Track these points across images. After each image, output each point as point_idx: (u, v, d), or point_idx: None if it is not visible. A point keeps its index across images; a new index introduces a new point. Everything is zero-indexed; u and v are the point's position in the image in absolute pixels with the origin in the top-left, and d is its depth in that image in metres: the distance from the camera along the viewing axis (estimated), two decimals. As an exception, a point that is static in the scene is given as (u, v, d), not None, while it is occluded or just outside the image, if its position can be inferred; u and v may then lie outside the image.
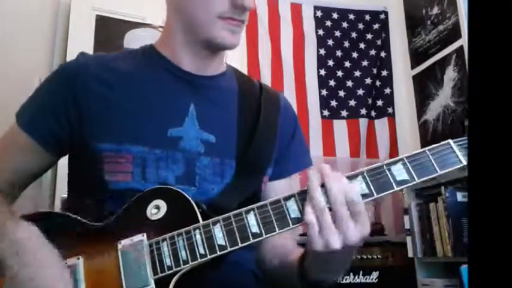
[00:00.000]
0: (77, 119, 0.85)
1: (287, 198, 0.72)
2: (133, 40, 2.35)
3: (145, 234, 0.74)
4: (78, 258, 0.74)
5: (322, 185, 0.69)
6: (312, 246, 0.68)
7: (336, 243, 0.66)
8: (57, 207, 1.94)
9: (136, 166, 0.82)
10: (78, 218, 0.79)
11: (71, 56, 2.15)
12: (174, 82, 0.90)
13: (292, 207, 0.71)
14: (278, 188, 0.96)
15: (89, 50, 2.21)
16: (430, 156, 0.73)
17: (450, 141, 0.74)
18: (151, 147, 0.83)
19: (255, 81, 1.03)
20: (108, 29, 2.32)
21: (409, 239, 2.21)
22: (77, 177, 0.91)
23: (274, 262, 0.89)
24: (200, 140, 0.87)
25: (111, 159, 0.82)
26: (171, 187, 0.80)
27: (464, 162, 0.72)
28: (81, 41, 2.21)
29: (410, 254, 2.21)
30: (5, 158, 0.91)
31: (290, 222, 0.70)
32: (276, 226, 0.70)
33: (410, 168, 0.72)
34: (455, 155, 0.73)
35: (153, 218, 0.76)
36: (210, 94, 0.92)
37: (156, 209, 0.77)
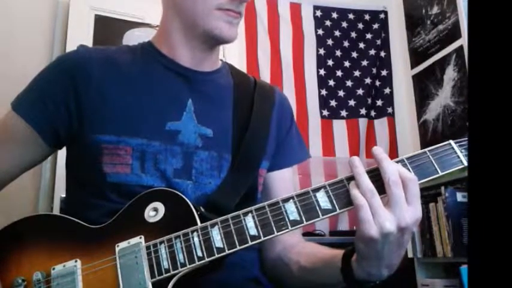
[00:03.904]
0: (76, 110, 0.85)
1: (285, 200, 0.71)
2: (132, 40, 2.35)
3: (143, 237, 0.74)
4: (76, 261, 0.74)
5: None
6: (365, 232, 0.66)
7: (390, 225, 0.65)
8: (56, 207, 1.93)
9: (136, 159, 0.82)
10: (76, 220, 0.79)
11: (70, 55, 2.16)
12: (172, 77, 0.91)
13: (291, 209, 0.70)
14: (280, 179, 0.98)
15: (88, 49, 2.20)
16: (431, 157, 0.72)
17: (451, 141, 0.74)
18: (150, 139, 0.83)
19: (250, 77, 1.04)
20: (107, 29, 2.32)
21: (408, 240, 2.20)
22: (76, 171, 0.90)
23: (302, 263, 0.87)
24: (198, 134, 0.87)
25: (110, 150, 0.82)
26: (169, 189, 0.80)
27: (466, 163, 0.72)
28: (80, 41, 2.20)
29: (410, 255, 2.21)
30: None
31: (289, 225, 0.70)
32: (274, 228, 0.70)
33: (410, 169, 0.71)
34: (457, 155, 0.72)
35: (151, 220, 0.76)
36: (207, 90, 0.93)
37: (154, 212, 0.77)
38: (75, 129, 0.85)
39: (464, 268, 1.81)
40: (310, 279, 0.86)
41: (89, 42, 2.25)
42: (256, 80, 1.03)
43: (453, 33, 2.54)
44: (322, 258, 0.83)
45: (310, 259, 0.87)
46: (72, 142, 0.88)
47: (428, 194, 2.16)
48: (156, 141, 0.84)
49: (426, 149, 0.73)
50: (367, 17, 3.04)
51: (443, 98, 2.59)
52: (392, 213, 0.66)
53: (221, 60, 1.02)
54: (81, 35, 2.23)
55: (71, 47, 2.20)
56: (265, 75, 2.76)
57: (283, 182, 0.99)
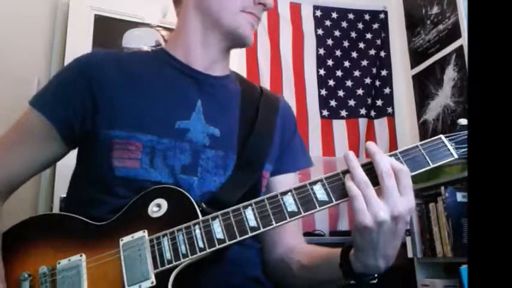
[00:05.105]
0: (91, 108, 0.88)
1: (284, 193, 0.74)
2: (132, 40, 2.35)
3: (146, 231, 0.76)
4: (81, 255, 0.76)
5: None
6: (360, 222, 0.68)
7: (384, 214, 0.68)
8: (56, 207, 1.94)
9: (145, 154, 0.85)
10: (82, 218, 0.82)
11: (70, 55, 2.16)
12: (183, 79, 0.95)
13: (289, 201, 0.73)
14: (282, 183, 1.00)
15: (87, 49, 2.21)
16: (423, 151, 0.75)
17: (442, 136, 0.77)
18: (160, 136, 0.86)
19: (256, 85, 1.09)
20: (107, 29, 2.32)
21: (408, 239, 2.20)
22: (86, 167, 0.92)
23: (302, 262, 0.90)
24: (206, 133, 0.90)
25: (121, 146, 0.85)
26: (172, 186, 0.82)
27: (456, 156, 0.75)
28: (80, 41, 2.21)
29: (410, 255, 2.21)
30: (15, 146, 0.91)
31: (287, 216, 0.72)
32: (273, 219, 0.72)
33: (403, 162, 0.74)
34: (447, 148, 0.75)
35: (154, 215, 0.78)
36: (215, 92, 0.97)
37: (157, 207, 0.79)
38: (89, 126, 0.88)
39: (464, 268, 1.81)
40: (311, 277, 0.88)
41: (88, 42, 2.25)
42: (262, 88, 1.08)
43: (453, 33, 2.54)
44: (321, 256, 0.86)
45: (310, 258, 0.89)
46: (85, 139, 0.90)
47: (429, 194, 2.16)
48: (166, 139, 0.86)
49: (418, 143, 0.76)
50: (367, 17, 3.04)
51: (443, 98, 2.59)
52: (386, 203, 0.68)
53: (230, 69, 1.07)
54: (80, 35, 2.24)
55: (71, 46, 2.20)
56: (265, 75, 2.76)
57: (286, 186, 1.00)
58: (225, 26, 0.95)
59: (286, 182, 1.00)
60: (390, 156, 0.73)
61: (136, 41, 2.35)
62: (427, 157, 0.74)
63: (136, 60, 0.97)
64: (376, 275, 0.74)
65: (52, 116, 0.88)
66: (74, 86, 0.90)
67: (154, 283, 0.71)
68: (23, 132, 0.92)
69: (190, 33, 0.98)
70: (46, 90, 0.93)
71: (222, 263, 0.76)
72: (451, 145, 0.76)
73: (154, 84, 0.92)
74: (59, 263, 0.76)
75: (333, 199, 0.72)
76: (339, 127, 2.82)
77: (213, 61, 0.98)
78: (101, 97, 0.88)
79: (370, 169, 0.71)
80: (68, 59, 2.16)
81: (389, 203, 0.68)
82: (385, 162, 0.70)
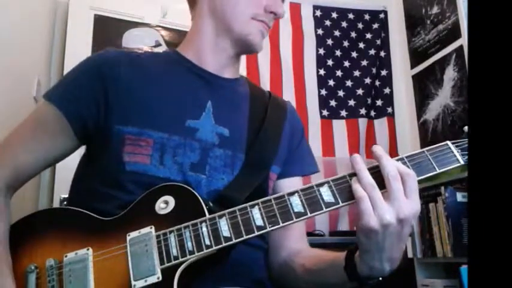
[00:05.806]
0: (104, 105, 0.90)
1: (291, 194, 0.75)
2: (132, 40, 2.35)
3: (153, 227, 0.77)
4: (88, 249, 0.77)
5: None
6: (365, 224, 0.69)
7: (390, 216, 0.68)
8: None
9: (156, 150, 0.87)
10: (90, 213, 0.83)
11: (70, 55, 2.16)
12: (194, 80, 0.97)
13: (296, 202, 0.74)
14: (288, 186, 1.01)
15: (87, 49, 2.21)
16: (429, 156, 0.76)
17: (448, 142, 0.78)
18: (171, 134, 0.88)
19: (265, 90, 1.13)
20: (107, 29, 2.32)
21: (408, 239, 2.20)
22: (96, 161, 0.92)
23: (307, 266, 0.91)
24: (215, 132, 0.92)
25: (132, 141, 0.87)
26: (180, 184, 0.83)
27: (462, 162, 0.76)
28: (79, 41, 2.21)
29: (409, 255, 2.21)
30: (27, 138, 0.92)
31: (293, 216, 0.73)
32: (279, 219, 0.73)
33: (409, 166, 0.75)
34: (453, 154, 0.77)
35: (161, 212, 0.79)
36: (226, 94, 0.99)
37: (165, 204, 0.80)
38: (101, 122, 0.89)
39: (464, 268, 1.81)
40: (315, 280, 0.88)
41: (88, 42, 2.25)
42: (271, 93, 1.10)
43: (453, 33, 2.54)
44: (326, 259, 0.87)
45: (314, 261, 0.90)
46: (97, 134, 0.91)
47: (428, 194, 2.16)
48: (176, 136, 0.88)
49: (424, 149, 0.77)
50: (367, 17, 3.04)
51: (443, 98, 2.59)
52: (392, 205, 0.69)
53: (240, 74, 1.10)
54: (80, 35, 2.24)
55: (71, 46, 2.20)
56: (265, 76, 2.76)
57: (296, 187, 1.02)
58: (236, 32, 0.98)
59: (292, 185, 1.01)
60: (397, 160, 0.74)
61: (136, 41, 2.35)
62: (433, 162, 0.75)
63: (149, 59, 0.99)
64: (380, 278, 0.75)
65: (66, 110, 0.90)
66: (87, 83, 0.91)
67: (160, 278, 0.72)
68: (36, 125, 0.93)
69: (202, 38, 1.01)
70: (60, 85, 0.95)
71: (227, 263, 0.77)
72: (457, 151, 0.77)
73: (167, 83, 0.94)
74: (65, 256, 0.77)
75: (339, 201, 0.73)
76: (339, 127, 2.82)
77: (223, 65, 1.01)
78: (113, 94, 0.90)
79: (376, 172, 0.72)
80: (68, 59, 2.16)
81: (395, 206, 0.69)
82: (391, 166, 0.71)
